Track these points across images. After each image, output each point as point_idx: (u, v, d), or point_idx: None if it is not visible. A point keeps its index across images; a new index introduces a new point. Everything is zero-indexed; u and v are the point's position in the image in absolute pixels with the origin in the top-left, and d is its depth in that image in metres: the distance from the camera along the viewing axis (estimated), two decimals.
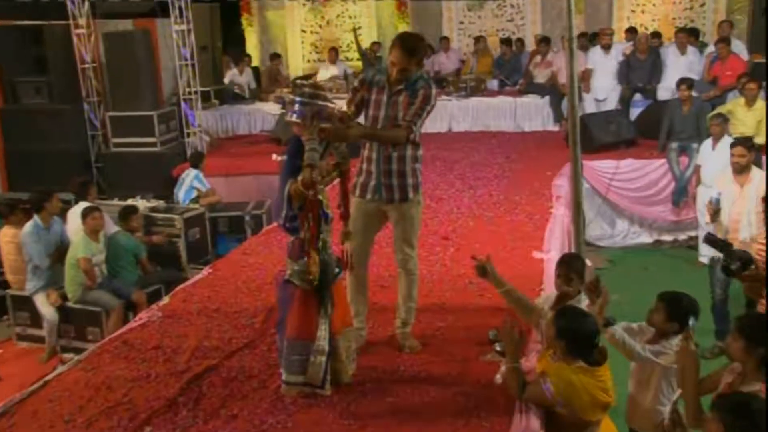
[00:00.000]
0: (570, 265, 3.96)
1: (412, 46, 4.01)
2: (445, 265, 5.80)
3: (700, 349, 3.55)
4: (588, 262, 4.62)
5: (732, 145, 6.25)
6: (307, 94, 3.66)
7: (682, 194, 8.70)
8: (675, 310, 3.75)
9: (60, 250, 6.94)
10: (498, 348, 4.09)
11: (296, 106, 3.64)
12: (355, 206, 4.16)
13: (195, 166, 9.22)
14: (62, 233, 7.15)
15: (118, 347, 4.70)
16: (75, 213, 7.18)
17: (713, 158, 7.71)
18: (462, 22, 14.14)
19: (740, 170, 6.01)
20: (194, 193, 8.95)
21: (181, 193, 9.03)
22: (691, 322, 3.59)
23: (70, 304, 6.75)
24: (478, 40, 13.02)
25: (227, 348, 4.56)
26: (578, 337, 3.40)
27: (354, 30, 13.59)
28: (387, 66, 4.10)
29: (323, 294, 3.75)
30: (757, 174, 6.03)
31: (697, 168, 8.10)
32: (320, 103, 3.65)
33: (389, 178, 4.13)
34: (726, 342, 3.37)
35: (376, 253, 4.74)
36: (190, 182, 9.03)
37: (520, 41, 13.16)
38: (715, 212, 5.96)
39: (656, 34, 11.54)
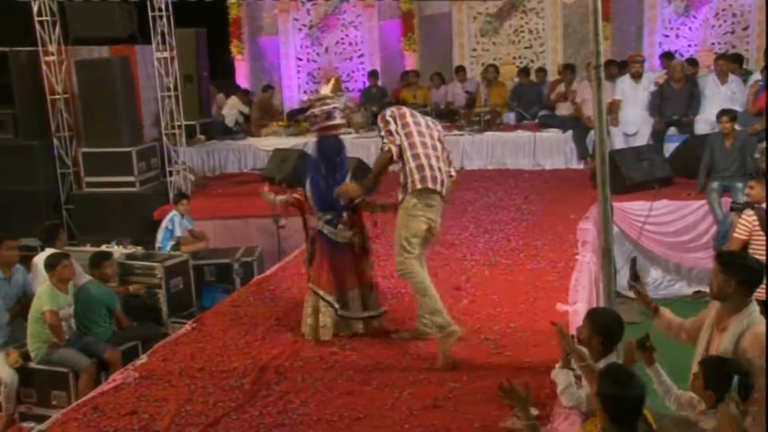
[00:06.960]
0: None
1: None
2: (458, 319, 5.75)
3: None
4: None
5: None
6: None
7: (726, 239, 8.65)
8: (713, 377, 3.62)
9: (22, 302, 6.92)
10: (518, 413, 4.05)
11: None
12: None
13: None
14: (25, 283, 7.12)
15: (87, 414, 4.67)
16: (41, 261, 7.16)
17: None
18: (475, 49, 14.30)
19: None
20: (171, 240, 8.95)
21: (159, 238, 9.06)
22: (735, 380, 3.47)
23: (32, 364, 6.66)
24: (488, 68, 13.19)
25: (212, 413, 4.54)
26: (620, 403, 3.28)
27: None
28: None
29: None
30: None
31: None
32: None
33: None
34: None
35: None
36: (165, 224, 9.07)
37: (542, 70, 13.29)
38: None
39: (692, 62, 11.66)
